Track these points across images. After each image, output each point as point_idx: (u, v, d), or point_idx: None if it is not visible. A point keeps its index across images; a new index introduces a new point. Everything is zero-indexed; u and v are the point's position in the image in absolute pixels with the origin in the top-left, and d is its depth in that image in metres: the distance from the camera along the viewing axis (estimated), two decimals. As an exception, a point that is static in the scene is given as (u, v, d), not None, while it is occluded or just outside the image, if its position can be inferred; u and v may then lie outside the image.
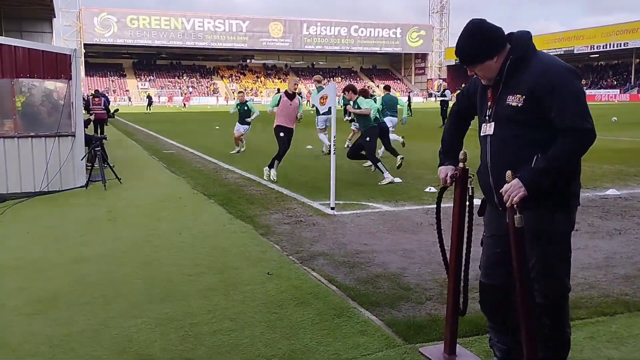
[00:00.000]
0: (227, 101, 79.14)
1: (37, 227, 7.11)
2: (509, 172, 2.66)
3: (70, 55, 9.73)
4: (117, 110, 18.72)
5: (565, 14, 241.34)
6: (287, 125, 10.21)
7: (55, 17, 72.00)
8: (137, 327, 3.88)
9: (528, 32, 2.82)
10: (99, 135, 13.31)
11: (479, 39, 2.75)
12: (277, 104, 10.25)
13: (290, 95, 10.25)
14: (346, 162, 12.48)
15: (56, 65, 9.59)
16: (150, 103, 53.86)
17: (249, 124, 15.32)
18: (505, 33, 2.81)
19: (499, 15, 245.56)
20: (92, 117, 15.84)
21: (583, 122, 2.59)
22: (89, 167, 10.23)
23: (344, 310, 4.05)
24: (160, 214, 7.52)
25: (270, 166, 10.04)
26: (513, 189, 2.63)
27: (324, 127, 14.26)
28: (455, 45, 2.86)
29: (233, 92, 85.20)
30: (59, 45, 68.69)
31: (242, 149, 15.09)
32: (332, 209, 7.39)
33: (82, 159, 9.83)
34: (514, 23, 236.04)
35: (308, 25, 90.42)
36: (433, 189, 8.80)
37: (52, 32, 73.78)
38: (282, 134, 10.15)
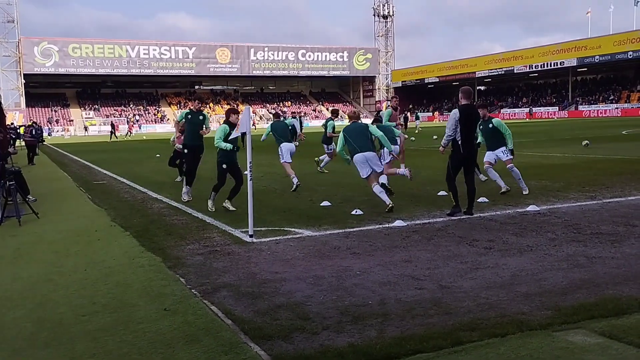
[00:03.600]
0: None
1: None
2: None
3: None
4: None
5: (506, 35, 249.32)
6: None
7: (-8, 47, 70.06)
8: (8, 377, 3.61)
9: None
10: (16, 165, 12.68)
11: None
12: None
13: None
14: (279, 186, 12.38)
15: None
16: (112, 131, 50.32)
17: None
18: None
19: (443, 37, 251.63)
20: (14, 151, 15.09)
21: None
22: (10, 202, 9.69)
23: (234, 346, 3.87)
24: (70, 249, 7.18)
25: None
26: None
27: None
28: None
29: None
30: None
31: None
32: (251, 236, 7.21)
33: (-5, 194, 9.37)
34: (460, 45, 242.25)
35: (255, 50, 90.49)
36: (359, 212, 8.75)
37: (-11, 63, 71.67)
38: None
